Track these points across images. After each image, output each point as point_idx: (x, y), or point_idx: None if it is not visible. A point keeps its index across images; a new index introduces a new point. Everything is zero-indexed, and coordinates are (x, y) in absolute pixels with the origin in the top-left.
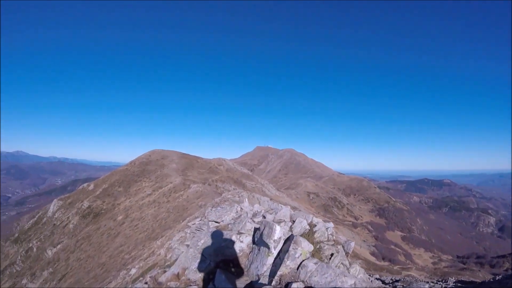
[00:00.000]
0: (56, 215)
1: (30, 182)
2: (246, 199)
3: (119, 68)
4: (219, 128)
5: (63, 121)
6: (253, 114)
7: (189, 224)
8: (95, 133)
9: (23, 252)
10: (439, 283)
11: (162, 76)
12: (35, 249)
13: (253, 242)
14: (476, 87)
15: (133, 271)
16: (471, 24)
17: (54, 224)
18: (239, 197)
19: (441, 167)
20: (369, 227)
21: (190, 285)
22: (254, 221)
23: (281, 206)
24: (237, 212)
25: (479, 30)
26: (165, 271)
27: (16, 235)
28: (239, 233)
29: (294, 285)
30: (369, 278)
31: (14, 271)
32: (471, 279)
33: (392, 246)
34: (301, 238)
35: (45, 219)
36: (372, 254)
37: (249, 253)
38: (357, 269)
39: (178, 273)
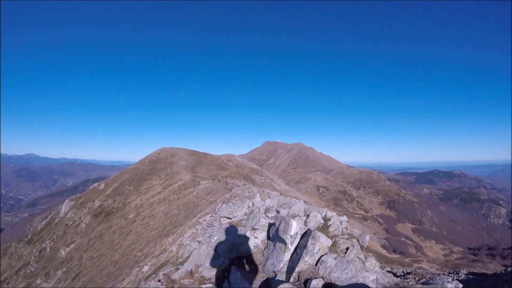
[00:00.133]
0: (68, 215)
1: (41, 184)
2: (258, 194)
3: (124, 67)
4: (227, 124)
5: (72, 123)
6: (261, 110)
7: (200, 220)
8: (104, 133)
9: (37, 253)
10: (450, 275)
11: (168, 74)
12: (48, 249)
13: (268, 238)
14: (486, 76)
15: (146, 268)
16: (478, 13)
17: (67, 224)
18: (249, 192)
19: (451, 158)
20: (380, 219)
21: (205, 283)
22: (268, 217)
23: (295, 201)
24: (249, 207)
25: (486, 18)
26: (178, 268)
27: (29, 236)
28: (253, 229)
29: (313, 281)
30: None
31: (28, 271)
32: (483, 271)
33: (403, 239)
34: (319, 233)
35: (57, 219)
36: (383, 246)
37: (264, 249)
38: (372, 263)
39: (191, 270)
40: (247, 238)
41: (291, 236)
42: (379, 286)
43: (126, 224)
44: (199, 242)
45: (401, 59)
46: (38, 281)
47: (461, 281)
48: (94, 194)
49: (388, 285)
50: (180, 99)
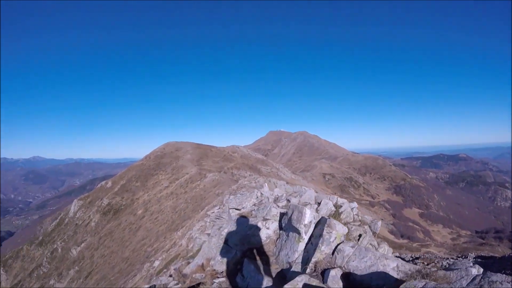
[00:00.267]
0: (78, 215)
1: (49, 186)
2: (266, 184)
3: (124, 65)
4: (230, 116)
5: (76, 123)
6: (264, 99)
7: (208, 213)
8: (108, 131)
9: (49, 254)
10: (459, 259)
11: (169, 68)
12: (60, 250)
13: (280, 228)
14: (490, 57)
15: (157, 263)
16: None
17: (76, 224)
18: (255, 182)
19: (456, 141)
20: (387, 205)
21: (217, 277)
22: (278, 206)
23: (305, 189)
24: (257, 197)
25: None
26: (189, 262)
27: (40, 238)
28: (265, 219)
29: (332, 272)
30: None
31: (41, 272)
32: (491, 254)
33: (410, 224)
34: (334, 221)
35: (67, 219)
36: (391, 232)
37: (277, 240)
38: (385, 249)
39: (202, 264)
40: (258, 229)
41: (305, 225)
42: (400, 274)
43: (135, 220)
44: (208, 234)
45: (403, 43)
46: (52, 282)
47: (459, 263)
48: (102, 192)
49: (409, 272)
50: (183, 93)
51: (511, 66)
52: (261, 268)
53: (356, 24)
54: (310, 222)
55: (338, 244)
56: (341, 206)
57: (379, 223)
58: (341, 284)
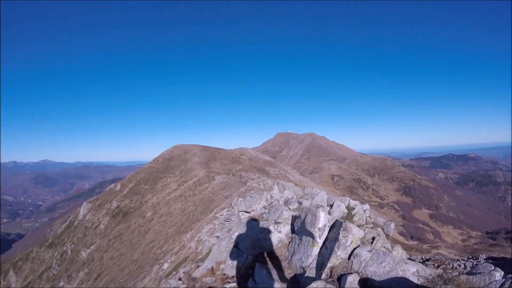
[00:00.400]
0: (87, 218)
1: (58, 188)
2: (276, 186)
3: (131, 68)
4: (238, 118)
5: (85, 126)
6: (271, 101)
7: (217, 215)
8: (116, 134)
9: (58, 256)
10: (469, 260)
11: (176, 71)
12: (69, 252)
13: (292, 231)
14: (499, 55)
15: (166, 265)
16: None
17: (86, 226)
18: (264, 185)
19: (465, 141)
20: (396, 206)
21: (228, 282)
22: (290, 209)
23: (316, 191)
24: (267, 200)
25: None
26: (198, 266)
27: (50, 240)
28: (276, 222)
29: (349, 278)
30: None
31: (51, 274)
32: (502, 255)
33: (420, 225)
34: (350, 224)
35: (76, 222)
36: (400, 233)
37: (289, 244)
38: (399, 252)
39: (212, 267)
40: (270, 233)
41: (319, 228)
42: (420, 279)
43: (144, 223)
44: (217, 237)
45: (411, 42)
46: (61, 284)
47: (480, 266)
48: (111, 195)
49: (430, 277)
50: (190, 95)
51: None
52: (274, 273)
53: (364, 23)
54: (325, 225)
55: (354, 248)
56: (353, 208)
57: (392, 225)
58: None
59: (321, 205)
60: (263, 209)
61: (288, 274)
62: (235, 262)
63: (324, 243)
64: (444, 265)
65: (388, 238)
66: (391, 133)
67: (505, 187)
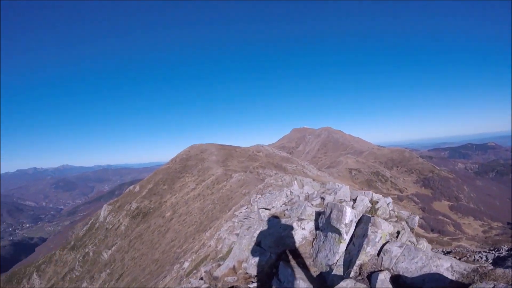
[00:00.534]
0: (108, 219)
1: (79, 192)
2: (295, 182)
3: (145, 70)
4: (254, 116)
5: (103, 131)
6: (286, 97)
7: (236, 213)
8: (133, 137)
9: (81, 258)
10: (491, 252)
11: (190, 70)
12: (91, 254)
13: (316, 228)
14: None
15: (186, 264)
16: None
17: (107, 228)
18: (281, 181)
19: (484, 130)
20: (415, 198)
21: (251, 281)
22: (312, 205)
23: (339, 185)
24: (287, 196)
25: None
26: (219, 264)
27: (72, 242)
28: (299, 219)
29: (380, 275)
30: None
31: (74, 276)
32: None
33: (440, 217)
34: (379, 219)
35: (97, 224)
36: (420, 226)
37: (313, 241)
38: (424, 246)
39: (234, 266)
40: (293, 230)
41: (345, 224)
42: (455, 274)
43: (163, 223)
44: (237, 235)
45: (428, 32)
46: (84, 285)
47: (503, 258)
48: (130, 196)
49: (465, 272)
50: (205, 96)
51: None
52: (299, 271)
53: (375, 16)
54: (351, 221)
55: (384, 244)
56: (377, 202)
57: (417, 218)
58: None
59: (345, 200)
60: (283, 205)
61: (314, 272)
62: (258, 261)
63: (351, 239)
64: (465, 258)
65: (412, 232)
66: (408, 125)
67: None
